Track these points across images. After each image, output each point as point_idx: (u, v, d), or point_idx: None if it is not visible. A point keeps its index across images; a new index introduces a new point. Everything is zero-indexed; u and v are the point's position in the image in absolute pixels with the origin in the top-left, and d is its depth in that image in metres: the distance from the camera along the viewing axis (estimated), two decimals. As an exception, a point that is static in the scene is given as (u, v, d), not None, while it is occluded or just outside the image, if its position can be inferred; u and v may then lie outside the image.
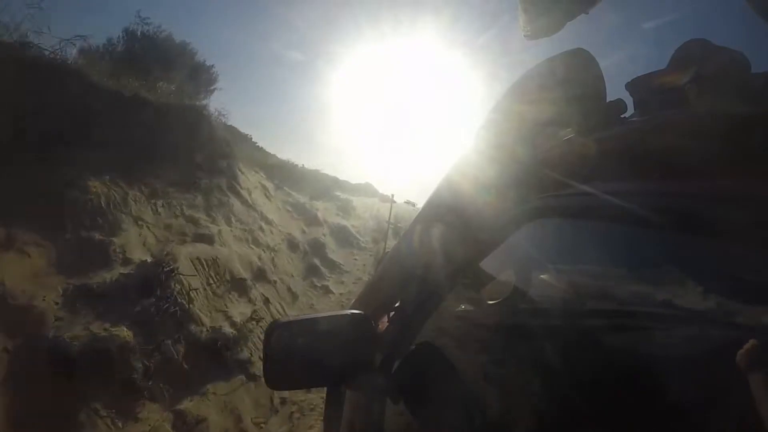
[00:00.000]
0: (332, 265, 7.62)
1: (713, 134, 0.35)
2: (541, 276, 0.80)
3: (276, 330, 0.74)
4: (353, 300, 1.21)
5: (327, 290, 6.60)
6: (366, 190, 20.01)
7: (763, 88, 0.41)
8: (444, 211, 0.73)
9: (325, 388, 1.01)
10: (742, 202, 0.31)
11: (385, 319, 1.00)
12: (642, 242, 0.48)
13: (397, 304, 0.92)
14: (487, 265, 0.72)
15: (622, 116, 0.51)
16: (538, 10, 0.59)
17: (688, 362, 0.43)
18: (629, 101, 0.53)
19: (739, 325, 0.44)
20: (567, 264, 0.77)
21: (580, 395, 0.47)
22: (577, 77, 0.50)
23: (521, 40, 0.66)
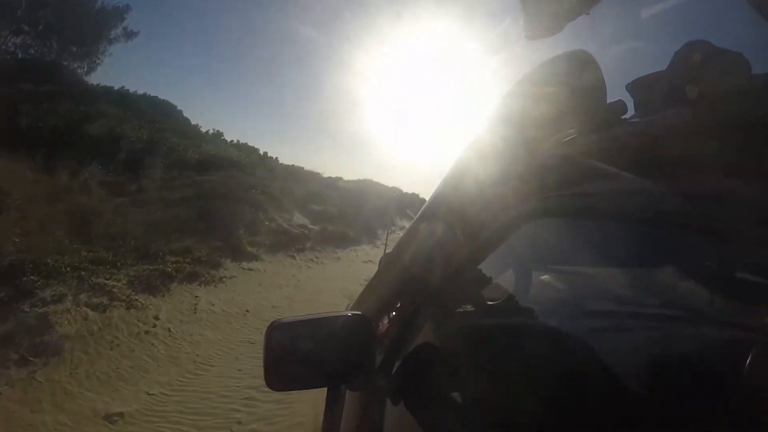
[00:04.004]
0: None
1: (713, 134, 0.35)
2: (541, 276, 0.80)
3: (276, 331, 0.74)
4: (354, 301, 1.21)
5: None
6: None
7: (763, 88, 0.41)
8: (444, 211, 0.73)
9: (325, 389, 1.01)
10: (742, 202, 0.31)
11: (386, 319, 1.00)
12: (642, 242, 0.48)
13: (397, 305, 0.92)
14: (487, 265, 0.72)
15: (623, 117, 0.51)
16: (539, 11, 0.59)
17: (688, 362, 0.43)
18: (630, 102, 0.53)
19: (739, 325, 0.44)
20: (567, 264, 0.77)
21: (581, 395, 0.47)
22: (578, 78, 0.50)
23: (522, 41, 0.66)
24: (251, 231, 7.44)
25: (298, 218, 9.23)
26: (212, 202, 7.57)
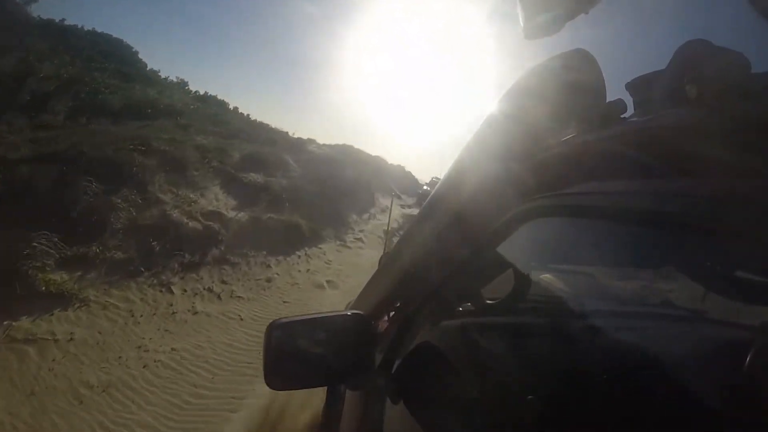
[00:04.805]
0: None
1: (713, 134, 0.35)
2: (541, 276, 0.80)
3: (276, 330, 0.74)
4: (353, 300, 1.21)
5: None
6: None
7: (763, 88, 0.41)
8: (444, 210, 0.73)
9: (326, 388, 1.01)
10: (742, 202, 0.31)
11: (386, 319, 1.00)
12: (642, 242, 0.48)
13: (397, 305, 0.92)
14: (487, 264, 0.72)
15: (622, 116, 0.51)
16: (537, 10, 0.59)
17: (688, 362, 0.43)
18: (629, 101, 0.53)
19: (739, 325, 0.44)
20: (567, 264, 0.77)
21: (581, 395, 0.47)
22: (577, 77, 0.50)
23: (521, 40, 0.66)
24: (90, 231, 3.39)
25: (215, 198, 5.16)
26: (38, 169, 3.73)
